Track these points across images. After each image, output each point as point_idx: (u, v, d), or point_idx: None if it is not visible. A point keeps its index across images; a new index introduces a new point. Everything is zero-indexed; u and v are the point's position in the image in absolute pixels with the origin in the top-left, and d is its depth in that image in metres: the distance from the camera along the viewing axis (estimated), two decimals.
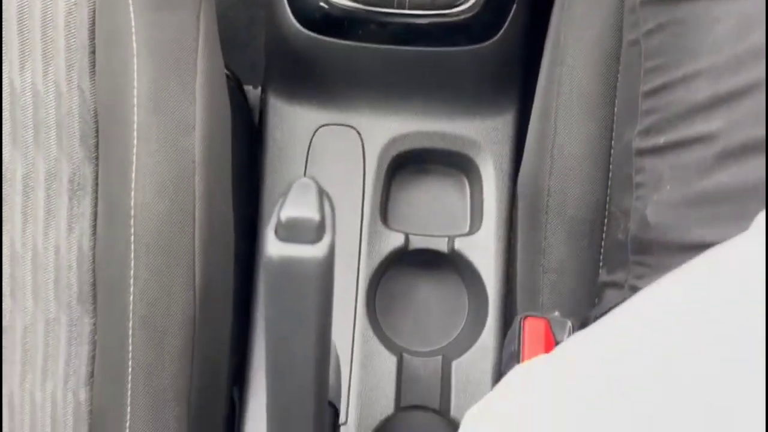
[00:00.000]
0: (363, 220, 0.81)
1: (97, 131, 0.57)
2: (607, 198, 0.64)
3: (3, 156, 0.56)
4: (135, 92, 0.56)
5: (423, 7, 0.75)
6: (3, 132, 0.56)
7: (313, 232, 0.38)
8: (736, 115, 0.51)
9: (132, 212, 0.56)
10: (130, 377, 0.57)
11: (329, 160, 0.82)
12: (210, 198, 0.59)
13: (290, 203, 0.38)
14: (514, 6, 0.77)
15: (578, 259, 0.65)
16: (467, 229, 0.83)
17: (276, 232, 0.38)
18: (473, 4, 0.75)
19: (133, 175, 0.56)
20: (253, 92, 0.89)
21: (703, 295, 0.33)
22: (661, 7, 0.57)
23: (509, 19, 0.77)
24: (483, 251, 0.81)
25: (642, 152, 0.57)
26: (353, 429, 0.78)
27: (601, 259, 0.64)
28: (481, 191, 0.82)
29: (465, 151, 0.82)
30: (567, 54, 0.66)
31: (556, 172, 0.66)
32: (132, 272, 0.56)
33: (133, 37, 0.56)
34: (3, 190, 0.56)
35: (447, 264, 0.82)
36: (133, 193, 0.56)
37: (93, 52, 0.57)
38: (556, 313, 0.56)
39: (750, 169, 0.50)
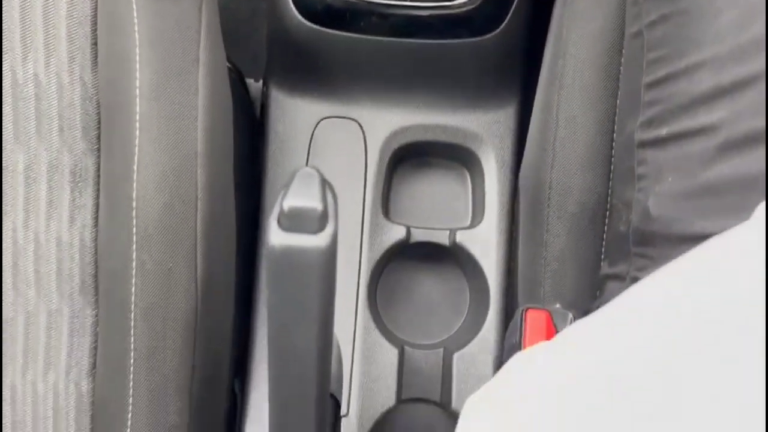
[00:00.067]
0: (364, 213, 0.81)
1: (99, 123, 0.57)
2: (609, 190, 0.64)
3: (5, 147, 0.56)
4: (137, 83, 0.56)
5: None
6: (5, 124, 0.56)
7: (316, 221, 0.38)
8: (739, 106, 0.51)
9: (134, 203, 0.56)
10: (132, 368, 0.57)
11: (331, 152, 0.82)
12: (212, 190, 0.59)
13: (293, 193, 0.38)
14: None
15: (580, 252, 0.65)
16: (469, 222, 0.83)
17: (279, 221, 0.38)
18: None
19: (135, 166, 0.56)
20: (254, 85, 0.89)
21: (703, 289, 0.33)
22: None
23: (511, 11, 0.77)
24: (484, 244, 0.81)
25: (644, 144, 0.57)
26: (354, 421, 0.78)
27: (603, 251, 0.64)
28: (483, 184, 0.82)
29: (467, 144, 0.82)
30: (569, 47, 0.66)
31: (558, 164, 0.65)
32: (134, 263, 0.56)
33: (136, 28, 0.56)
34: (5, 182, 0.56)
35: (448, 257, 0.82)
36: (135, 184, 0.56)
37: (95, 44, 0.57)
38: (558, 305, 0.56)
39: (752, 161, 0.50)
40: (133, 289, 0.56)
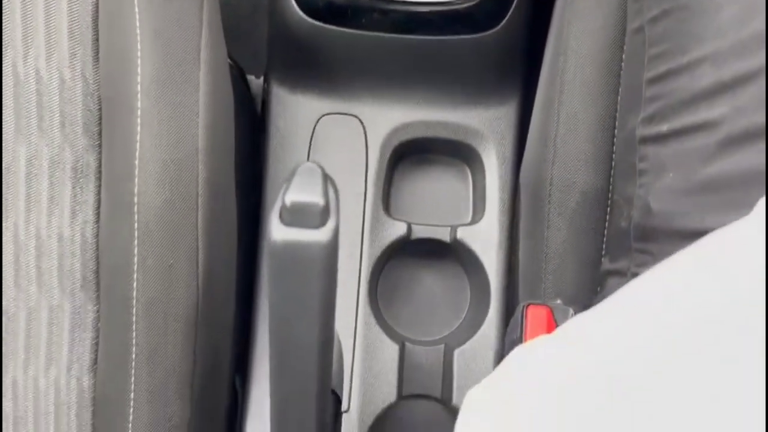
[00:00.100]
0: (365, 210, 0.81)
1: (100, 119, 0.57)
2: (610, 186, 0.64)
3: (6, 143, 0.56)
4: (139, 79, 0.56)
5: None
6: (6, 119, 0.56)
7: (318, 216, 0.38)
8: (740, 102, 0.51)
9: (135, 199, 0.56)
10: (133, 364, 0.57)
11: (332, 149, 0.82)
12: (213, 186, 0.59)
13: (295, 187, 0.38)
14: None
15: (580, 248, 0.65)
16: (470, 218, 0.83)
17: (280, 216, 0.38)
18: None
19: (137, 162, 0.56)
20: (255, 81, 0.89)
21: (703, 286, 0.33)
22: None
23: (512, 7, 0.77)
24: (485, 241, 0.81)
25: (645, 140, 0.57)
26: (355, 417, 0.78)
27: (604, 247, 0.64)
28: (484, 181, 0.82)
29: (468, 140, 0.82)
30: (570, 43, 0.66)
31: (559, 160, 0.65)
32: (135, 259, 0.56)
33: (137, 24, 0.56)
34: (6, 178, 0.56)
35: (449, 253, 0.82)
36: (136, 180, 0.56)
37: (96, 39, 0.57)
38: (559, 301, 0.56)
39: (753, 156, 0.49)
40: (134, 284, 0.56)
